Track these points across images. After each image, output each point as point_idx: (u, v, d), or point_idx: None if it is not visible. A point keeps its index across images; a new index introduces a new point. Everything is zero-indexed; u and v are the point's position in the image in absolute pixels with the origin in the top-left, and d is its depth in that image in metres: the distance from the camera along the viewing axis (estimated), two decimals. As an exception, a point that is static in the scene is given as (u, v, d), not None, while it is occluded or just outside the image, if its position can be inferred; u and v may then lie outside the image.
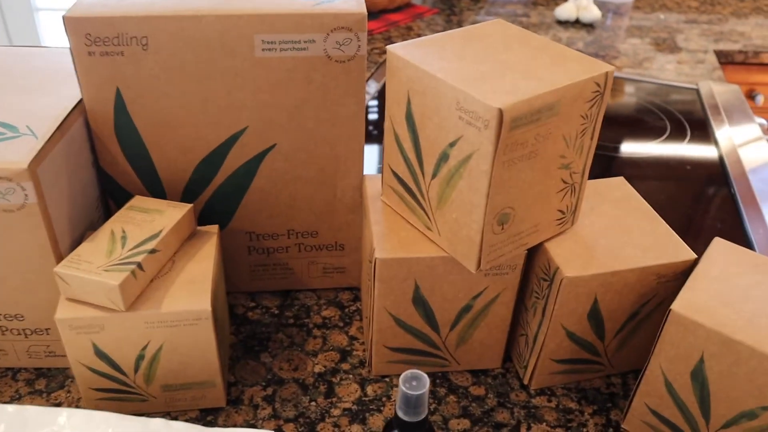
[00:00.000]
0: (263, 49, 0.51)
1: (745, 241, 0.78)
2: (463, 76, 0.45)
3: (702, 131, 1.06)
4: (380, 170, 0.89)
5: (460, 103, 0.43)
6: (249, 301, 0.65)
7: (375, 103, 1.09)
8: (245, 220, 0.61)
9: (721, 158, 0.98)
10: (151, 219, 0.52)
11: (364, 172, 0.60)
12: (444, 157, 0.47)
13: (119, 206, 0.58)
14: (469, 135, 0.44)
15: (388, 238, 0.51)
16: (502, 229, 0.48)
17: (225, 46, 0.51)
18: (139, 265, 0.47)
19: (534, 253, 0.53)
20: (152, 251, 0.49)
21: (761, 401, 0.45)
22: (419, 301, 0.52)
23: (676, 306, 0.47)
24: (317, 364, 0.58)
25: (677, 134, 1.05)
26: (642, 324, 0.55)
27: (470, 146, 0.44)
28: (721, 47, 1.39)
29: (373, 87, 1.14)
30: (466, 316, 0.54)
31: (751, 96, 1.43)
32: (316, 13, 0.50)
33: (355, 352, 0.60)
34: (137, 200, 0.54)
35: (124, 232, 0.50)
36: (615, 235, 0.54)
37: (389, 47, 0.49)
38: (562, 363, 0.56)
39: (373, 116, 1.05)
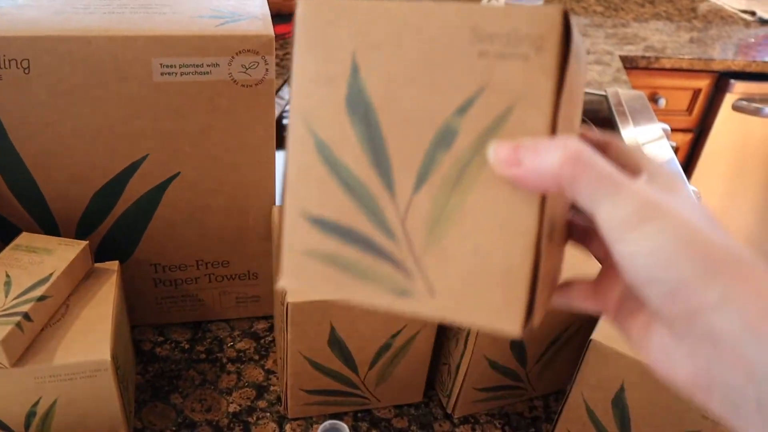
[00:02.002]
0: (162, 73, 0.47)
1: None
2: None
3: (609, 131, 1.09)
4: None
5: (480, 28, 0.26)
6: (157, 336, 0.61)
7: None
8: (150, 251, 0.56)
9: None
10: (39, 260, 0.47)
11: (276, 198, 0.57)
12: (444, 139, 0.27)
13: (6, 243, 0.52)
14: (501, 77, 0.26)
15: None
16: (550, 248, 0.29)
17: (119, 70, 0.46)
18: (26, 316, 0.42)
19: (454, 282, 0.52)
20: (41, 298, 0.44)
21: (681, 428, 0.46)
22: (335, 343, 0.50)
23: (597, 335, 0.47)
24: (232, 402, 0.55)
25: (589, 141, 1.07)
26: (563, 348, 0.55)
27: (505, 97, 0.26)
28: (625, 52, 1.44)
29: (288, 92, 1.10)
30: (386, 354, 0.52)
31: (654, 99, 1.48)
32: (220, 35, 0.47)
33: (272, 388, 0.57)
34: (24, 238, 0.49)
35: (8, 277, 0.45)
36: (534, 260, 0.53)
37: None
38: (485, 391, 0.55)
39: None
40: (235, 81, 0.49)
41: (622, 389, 0.47)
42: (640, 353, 0.28)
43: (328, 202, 0.30)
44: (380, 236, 0.29)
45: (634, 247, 0.24)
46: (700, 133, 1.56)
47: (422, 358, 0.54)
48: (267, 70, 0.49)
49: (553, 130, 0.26)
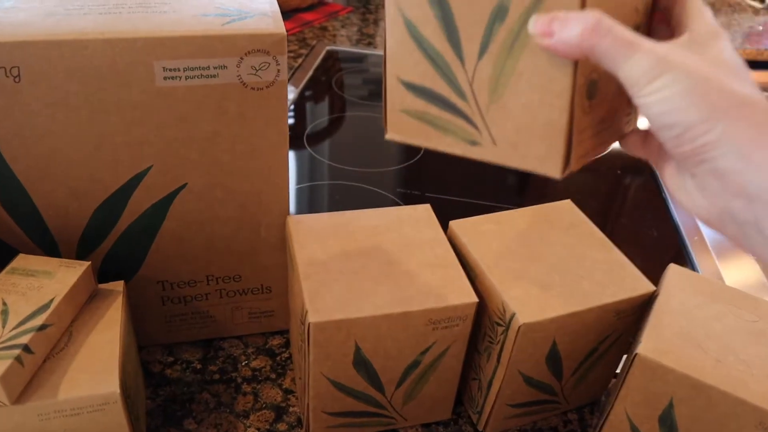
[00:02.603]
0: (165, 78, 0.44)
1: (676, 238, 0.77)
2: None
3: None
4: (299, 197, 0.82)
5: None
6: (166, 356, 0.57)
7: (294, 108, 1.02)
8: (156, 268, 0.53)
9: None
10: (38, 285, 0.43)
11: (291, 208, 0.53)
12: (499, 14, 0.33)
13: (3, 265, 0.48)
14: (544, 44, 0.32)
15: (321, 294, 0.45)
16: (591, 106, 0.35)
17: (118, 76, 0.43)
18: (26, 348, 0.39)
19: (486, 295, 0.48)
20: (42, 327, 0.40)
21: (734, 446, 0.42)
22: (361, 363, 0.46)
23: (643, 349, 0.43)
24: (249, 426, 0.51)
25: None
26: (599, 360, 0.52)
27: None
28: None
29: (290, 91, 1.06)
30: (414, 372, 0.48)
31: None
32: (227, 34, 0.43)
33: (291, 409, 0.53)
34: (21, 260, 0.45)
35: (4, 304, 0.41)
36: (569, 268, 0.50)
37: None
38: (519, 407, 0.51)
39: (290, 121, 0.98)
40: (244, 84, 0.45)
41: (670, 405, 0.44)
42: (672, 195, 0.32)
43: (416, 69, 0.37)
44: (455, 97, 0.37)
45: (649, 98, 0.28)
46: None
47: (452, 374, 0.50)
48: (279, 71, 0.45)
49: (584, 3, 0.30)
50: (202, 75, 0.44)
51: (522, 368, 0.48)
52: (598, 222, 0.77)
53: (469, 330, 0.48)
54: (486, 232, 0.53)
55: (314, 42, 1.27)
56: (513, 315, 0.45)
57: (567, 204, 0.57)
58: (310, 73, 1.13)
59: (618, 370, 0.56)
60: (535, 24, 0.31)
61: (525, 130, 0.35)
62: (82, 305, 0.45)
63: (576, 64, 0.32)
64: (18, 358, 0.38)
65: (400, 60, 0.38)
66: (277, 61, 0.45)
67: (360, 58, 1.23)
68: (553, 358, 0.48)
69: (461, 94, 0.37)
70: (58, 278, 0.44)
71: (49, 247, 0.49)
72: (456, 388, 0.52)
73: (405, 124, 0.40)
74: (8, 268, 0.44)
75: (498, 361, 0.48)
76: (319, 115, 1.02)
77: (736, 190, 0.28)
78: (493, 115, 0.36)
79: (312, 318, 0.43)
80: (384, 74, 0.39)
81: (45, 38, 0.41)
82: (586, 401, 0.56)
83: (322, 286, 0.45)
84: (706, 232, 0.79)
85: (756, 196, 0.27)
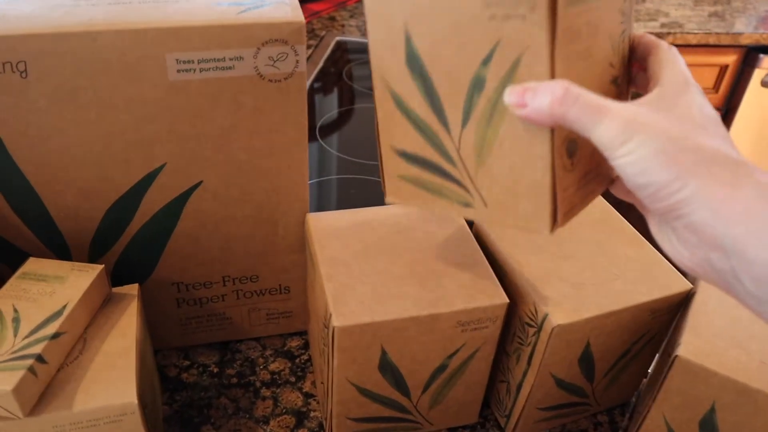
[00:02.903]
0: (179, 71, 0.42)
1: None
2: None
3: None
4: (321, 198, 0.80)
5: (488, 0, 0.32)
6: (182, 359, 0.55)
7: (303, 103, 1.00)
8: (171, 269, 0.51)
9: None
10: (50, 290, 0.41)
11: (308, 205, 0.51)
12: (477, 85, 0.35)
13: (14, 269, 0.46)
14: (509, 33, 0.32)
15: (345, 297, 0.43)
16: (572, 164, 0.36)
17: (129, 69, 0.41)
18: (39, 358, 0.37)
19: (516, 295, 0.46)
20: (55, 335, 0.38)
21: (781, 452, 0.40)
22: (387, 368, 0.44)
23: (684, 352, 0.41)
24: (269, 433, 0.50)
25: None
26: (632, 360, 0.50)
27: (514, 49, 0.32)
28: (645, 28, 1.37)
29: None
30: (441, 376, 0.46)
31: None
32: (243, 23, 0.41)
33: (312, 413, 0.51)
34: (31, 264, 0.44)
35: (16, 311, 0.39)
36: (602, 266, 0.48)
37: None
38: (549, 410, 0.49)
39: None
40: (261, 76, 0.43)
41: (712, 410, 0.42)
42: (658, 243, 0.33)
43: (407, 138, 0.39)
44: (445, 162, 0.38)
45: (621, 160, 0.29)
46: (727, 111, 1.50)
47: (480, 377, 0.48)
48: (297, 62, 0.43)
49: (553, 73, 0.32)
50: (217, 67, 0.42)
51: (554, 371, 0.46)
52: (626, 216, 0.75)
53: (499, 331, 0.46)
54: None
55: (323, 33, 1.24)
56: (546, 316, 0.43)
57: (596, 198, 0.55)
58: (320, 64, 1.11)
59: (650, 370, 0.54)
60: (509, 95, 0.33)
61: (512, 191, 0.37)
62: (96, 311, 0.43)
63: (552, 128, 0.33)
64: (31, 369, 0.36)
65: (391, 130, 0.40)
66: (295, 51, 0.43)
67: (369, 49, 1.20)
68: (586, 360, 0.46)
69: (450, 160, 0.38)
70: (70, 283, 0.42)
71: (61, 250, 0.47)
72: (484, 392, 0.50)
73: (402, 189, 0.41)
74: (18, 272, 0.43)
75: (529, 363, 0.46)
76: (329, 107, 0.99)
77: (712, 243, 0.29)
78: (482, 178, 0.38)
79: (336, 322, 0.41)
80: (378, 143, 0.41)
81: (52, 30, 0.39)
82: (617, 402, 0.54)
83: (345, 287, 0.43)
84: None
85: (731, 248, 0.28)
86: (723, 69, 1.42)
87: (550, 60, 0.32)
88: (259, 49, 0.42)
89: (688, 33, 1.35)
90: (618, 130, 0.29)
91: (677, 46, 1.38)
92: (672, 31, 1.35)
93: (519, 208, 0.37)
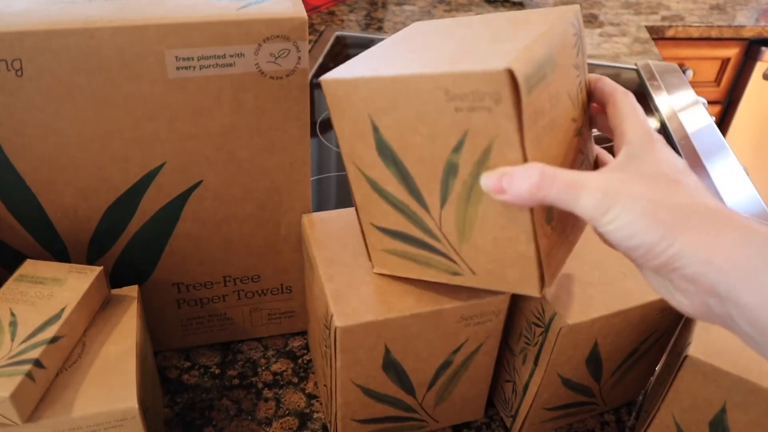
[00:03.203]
0: (178, 68, 0.41)
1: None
2: (436, 61, 0.34)
3: (643, 103, 1.02)
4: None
5: (450, 91, 0.32)
6: (183, 361, 0.55)
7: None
8: (171, 270, 0.50)
9: (663, 124, 0.97)
10: (48, 293, 0.40)
11: (311, 205, 0.50)
12: (451, 171, 0.35)
13: (11, 271, 0.46)
14: (477, 124, 0.33)
15: (346, 297, 0.42)
16: (552, 228, 0.37)
17: (127, 66, 0.40)
18: (37, 362, 0.36)
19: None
20: (54, 339, 0.38)
21: (794, 453, 0.40)
22: (391, 366, 0.44)
23: (694, 351, 0.40)
24: (272, 435, 0.49)
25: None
26: (640, 359, 0.49)
27: (484, 137, 0.33)
28: (649, 22, 1.36)
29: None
30: (445, 372, 0.46)
31: (680, 71, 1.41)
32: (244, 19, 0.40)
33: (315, 415, 0.51)
34: (29, 266, 0.43)
35: (13, 315, 0.39)
36: (609, 265, 0.47)
37: (325, 79, 0.37)
38: (556, 410, 0.49)
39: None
40: (263, 73, 0.42)
41: (723, 410, 0.41)
42: (657, 292, 0.33)
43: (387, 218, 0.40)
44: (428, 238, 0.39)
45: (607, 227, 0.31)
46: (728, 104, 1.49)
47: (485, 373, 0.48)
48: (299, 58, 0.42)
49: (525, 156, 0.33)
50: (217, 64, 0.41)
51: (561, 371, 0.45)
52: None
53: (502, 325, 0.45)
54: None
55: (322, 27, 1.23)
56: (553, 315, 0.42)
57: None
58: (320, 60, 1.10)
59: (657, 368, 0.53)
60: (486, 181, 0.34)
61: (498, 261, 0.38)
62: (95, 313, 0.43)
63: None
64: (29, 374, 0.35)
65: (370, 210, 0.41)
66: (297, 48, 0.42)
67: (369, 43, 1.19)
68: (594, 360, 0.46)
69: (433, 236, 0.39)
70: (68, 285, 0.41)
71: (59, 252, 0.47)
72: (488, 387, 0.50)
73: (388, 261, 0.42)
74: (16, 275, 0.42)
75: (536, 363, 0.45)
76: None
77: (708, 290, 0.29)
78: (467, 251, 0.38)
79: (339, 322, 0.40)
80: (358, 218, 0.42)
81: (48, 27, 0.38)
82: (624, 401, 0.53)
83: (346, 287, 0.43)
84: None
85: (725, 295, 0.28)
86: (725, 62, 1.41)
87: (520, 145, 0.32)
88: (260, 45, 0.41)
89: (689, 26, 1.34)
90: (598, 201, 0.31)
91: (679, 39, 1.37)
92: (673, 24, 1.34)
93: (507, 275, 0.38)
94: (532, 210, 0.34)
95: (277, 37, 0.41)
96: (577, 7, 0.38)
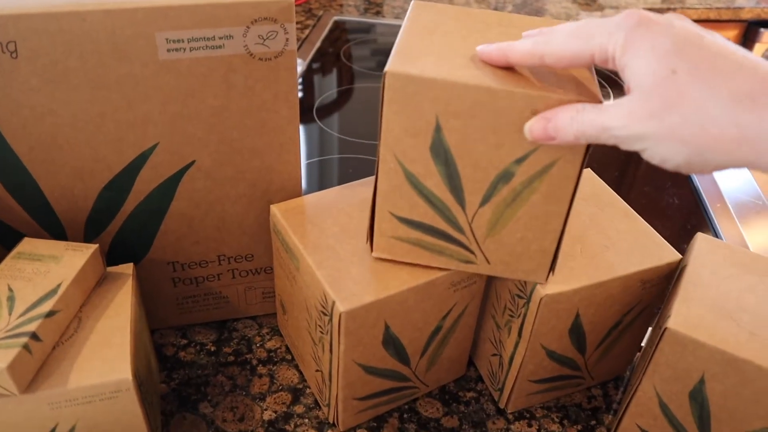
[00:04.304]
0: (169, 50, 0.42)
1: (700, 206, 0.75)
2: (521, 78, 0.37)
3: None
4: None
5: (538, 111, 0.36)
6: (180, 338, 0.56)
7: (301, 81, 1.00)
8: (166, 249, 0.51)
9: None
10: (45, 269, 0.42)
11: (302, 185, 0.51)
12: (505, 177, 0.39)
13: (9, 249, 0.47)
14: (549, 144, 0.37)
15: (342, 281, 0.42)
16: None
17: (119, 49, 0.41)
18: (34, 335, 0.38)
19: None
20: (50, 314, 0.39)
21: (769, 422, 0.41)
22: (390, 342, 0.45)
23: (672, 323, 0.41)
24: (266, 409, 0.50)
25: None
26: (624, 332, 0.50)
27: (552, 155, 0.38)
28: (648, 4, 1.36)
29: (299, 66, 1.03)
30: (436, 338, 0.48)
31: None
32: (232, 2, 0.41)
33: (308, 390, 0.52)
34: (26, 244, 0.44)
35: (10, 290, 0.40)
36: (592, 238, 0.48)
37: (393, 72, 0.36)
38: (541, 383, 0.50)
39: (300, 95, 0.96)
40: (251, 54, 0.43)
41: (701, 381, 0.42)
42: None
43: (414, 209, 0.42)
44: (453, 230, 0.42)
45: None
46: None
47: (468, 333, 0.51)
48: (287, 40, 0.43)
49: (581, 171, 0.38)
50: (207, 46, 0.42)
51: (544, 342, 0.46)
52: (617, 190, 0.75)
53: (484, 285, 0.47)
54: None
55: (321, 12, 1.23)
56: (534, 286, 0.43)
57: (587, 173, 0.55)
58: (318, 44, 1.10)
59: (643, 344, 0.54)
60: (532, 129, 0.36)
61: (517, 254, 0.43)
62: (90, 290, 0.44)
63: (570, 207, 0.40)
64: (26, 346, 0.37)
65: (395, 200, 0.42)
66: (285, 30, 0.43)
67: (367, 28, 1.20)
68: (577, 331, 0.47)
69: (459, 229, 0.42)
70: (65, 262, 0.42)
71: (56, 231, 0.48)
72: (470, 346, 0.52)
73: (395, 247, 0.44)
74: (13, 252, 0.43)
75: (519, 335, 0.46)
76: (328, 87, 0.99)
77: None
78: (489, 244, 0.42)
79: (342, 307, 0.41)
80: (372, 205, 0.43)
81: (42, 11, 0.39)
82: (611, 376, 0.54)
83: (338, 272, 0.43)
84: (728, 198, 0.77)
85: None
86: (724, 45, 1.41)
87: (580, 167, 0.38)
88: (248, 27, 0.42)
89: (689, 8, 1.34)
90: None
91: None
92: (672, 6, 1.34)
93: (521, 265, 0.43)
94: (568, 212, 0.40)
95: (265, 19, 0.42)
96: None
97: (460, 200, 0.41)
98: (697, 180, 0.81)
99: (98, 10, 0.40)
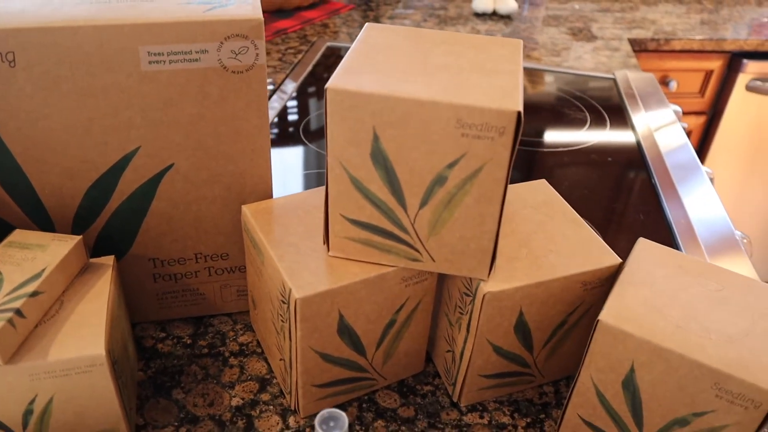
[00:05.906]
0: (150, 62, 0.46)
1: (666, 225, 0.78)
2: (446, 89, 0.41)
3: (620, 118, 1.07)
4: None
5: (463, 120, 0.40)
6: (159, 332, 0.60)
7: (294, 103, 1.05)
8: (148, 246, 0.56)
9: (638, 143, 0.99)
10: (32, 256, 0.46)
11: (273, 189, 0.56)
12: (439, 181, 0.43)
13: (1, 240, 0.52)
14: (476, 149, 0.41)
15: (300, 272, 0.47)
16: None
17: (106, 60, 0.46)
18: (18, 312, 0.42)
19: (456, 266, 0.51)
20: (34, 294, 0.43)
21: (692, 408, 0.44)
22: (344, 331, 0.49)
23: (604, 316, 0.45)
24: (234, 396, 0.54)
25: (597, 124, 1.05)
26: (570, 332, 0.53)
27: (479, 159, 0.41)
28: (634, 35, 1.41)
29: (290, 86, 1.09)
30: (390, 331, 0.51)
31: (665, 82, 1.46)
32: (208, 20, 0.46)
33: (275, 381, 0.56)
34: (17, 235, 0.48)
35: (0, 274, 0.44)
36: (538, 242, 0.52)
37: (333, 88, 0.41)
38: (492, 378, 0.53)
39: (292, 117, 1.01)
40: (225, 67, 0.48)
41: (632, 370, 0.46)
42: None
43: (361, 211, 0.46)
44: (398, 230, 0.46)
45: None
46: (713, 115, 1.53)
47: (423, 328, 0.54)
48: (257, 55, 0.48)
49: (508, 176, 0.42)
50: (184, 59, 0.47)
51: (491, 338, 0.50)
52: (591, 207, 0.79)
53: (436, 282, 0.51)
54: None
55: (315, 38, 1.29)
56: (478, 284, 0.47)
57: (542, 183, 0.59)
58: (309, 68, 1.16)
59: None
60: None
61: (459, 252, 0.46)
62: (73, 277, 0.48)
63: (501, 207, 0.43)
64: (10, 321, 0.41)
65: (345, 203, 0.46)
66: (255, 45, 0.47)
67: (360, 55, 1.25)
68: (522, 329, 0.50)
69: (404, 229, 0.46)
70: (50, 250, 0.47)
71: (46, 225, 0.52)
72: (426, 342, 0.55)
73: (348, 246, 0.48)
74: (5, 241, 0.47)
75: (468, 330, 0.50)
76: (319, 108, 1.04)
77: None
78: (432, 243, 0.46)
79: (297, 294, 0.45)
80: (326, 208, 0.47)
81: (38, 25, 0.44)
82: (562, 375, 0.58)
83: (297, 264, 0.47)
84: (698, 230, 0.81)
85: None
86: (708, 74, 1.46)
87: (507, 170, 0.42)
88: (222, 43, 0.47)
89: (673, 39, 1.39)
90: None
91: (663, 51, 1.41)
92: (657, 37, 1.39)
93: (464, 263, 0.47)
94: (501, 212, 0.43)
95: (237, 36, 0.47)
96: (520, 42, 0.47)
97: (402, 202, 0.44)
98: (662, 193, 0.84)
99: (89, 26, 0.44)
